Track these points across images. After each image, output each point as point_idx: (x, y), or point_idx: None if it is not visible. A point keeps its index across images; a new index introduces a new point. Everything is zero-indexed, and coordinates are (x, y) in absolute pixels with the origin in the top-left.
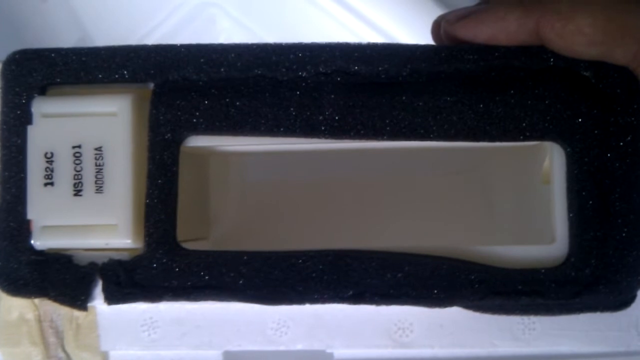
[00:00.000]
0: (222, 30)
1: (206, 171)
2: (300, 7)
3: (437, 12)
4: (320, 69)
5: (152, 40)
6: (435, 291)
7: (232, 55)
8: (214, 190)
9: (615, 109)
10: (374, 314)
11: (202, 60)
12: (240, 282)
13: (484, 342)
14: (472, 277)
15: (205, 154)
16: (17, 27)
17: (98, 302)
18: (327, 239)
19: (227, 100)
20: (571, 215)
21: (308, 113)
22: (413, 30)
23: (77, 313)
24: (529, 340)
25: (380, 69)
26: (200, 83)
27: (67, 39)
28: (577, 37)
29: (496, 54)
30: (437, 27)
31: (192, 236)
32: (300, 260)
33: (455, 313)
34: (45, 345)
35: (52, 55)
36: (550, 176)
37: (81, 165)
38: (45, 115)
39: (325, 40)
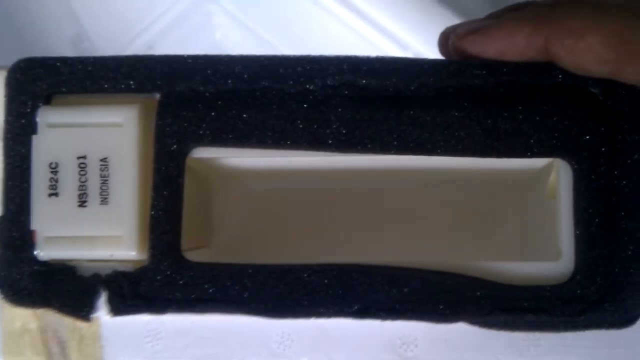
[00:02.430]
0: (218, 26)
1: (209, 180)
2: (297, 3)
3: (438, 10)
4: (328, 82)
5: (148, 36)
6: (441, 307)
7: (240, 66)
8: (216, 198)
9: (623, 127)
10: (379, 328)
11: (209, 71)
12: (245, 295)
13: (489, 357)
14: (478, 293)
15: (209, 164)
16: (13, 23)
17: (102, 313)
18: (331, 253)
19: (234, 112)
20: (577, 232)
21: (315, 126)
22: (409, 26)
23: (80, 324)
24: (533, 356)
25: (388, 82)
26: (207, 94)
27: (63, 35)
28: (587, 55)
29: (505, 69)
30: (445, 40)
31: (194, 244)
32: (306, 275)
33: (459, 328)
34: (48, 355)
35: (58, 64)
36: (556, 192)
37: (86, 176)
38: (51, 125)
39: (320, 35)
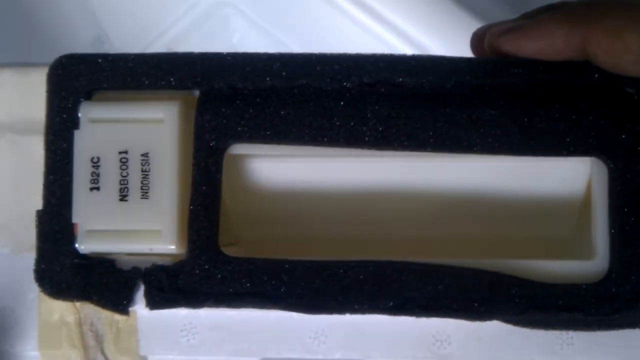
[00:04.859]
0: (235, 29)
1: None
2: (315, 6)
3: (454, 10)
4: (365, 80)
5: (166, 38)
6: (476, 304)
7: (278, 64)
8: (244, 195)
9: None
10: (412, 325)
11: (247, 68)
12: (281, 290)
13: (522, 356)
14: (513, 291)
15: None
16: (35, 25)
17: (139, 307)
18: (365, 250)
19: (272, 109)
20: (612, 231)
21: (352, 123)
22: (425, 27)
23: (117, 317)
24: (567, 355)
25: (424, 80)
26: (246, 91)
27: (84, 37)
28: (624, 54)
29: (541, 68)
30: (478, 39)
31: (229, 240)
32: (341, 270)
33: (493, 326)
34: (85, 348)
35: (99, 60)
36: (591, 191)
37: (127, 170)
38: (93, 121)
39: (337, 38)
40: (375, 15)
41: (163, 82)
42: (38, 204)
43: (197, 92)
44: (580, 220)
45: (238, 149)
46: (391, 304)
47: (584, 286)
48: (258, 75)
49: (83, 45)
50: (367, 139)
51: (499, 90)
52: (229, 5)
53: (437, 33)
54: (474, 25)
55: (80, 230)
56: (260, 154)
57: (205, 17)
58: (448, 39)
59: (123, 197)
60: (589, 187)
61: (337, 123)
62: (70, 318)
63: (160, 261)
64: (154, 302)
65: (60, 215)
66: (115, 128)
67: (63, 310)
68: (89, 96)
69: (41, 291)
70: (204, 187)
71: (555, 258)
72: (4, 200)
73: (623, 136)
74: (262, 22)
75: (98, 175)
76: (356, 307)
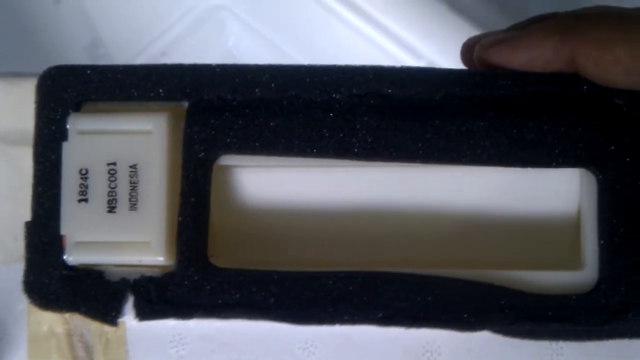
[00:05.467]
0: (231, 33)
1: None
2: (310, 10)
3: (452, 18)
4: (354, 91)
5: (162, 42)
6: (466, 315)
7: (267, 75)
8: (233, 206)
9: None
10: (402, 335)
11: (237, 80)
12: (271, 301)
13: None
14: (503, 301)
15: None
16: (29, 29)
17: (128, 318)
18: (355, 261)
19: (261, 120)
20: (602, 242)
21: (341, 135)
22: (422, 35)
23: (106, 328)
24: None
25: (413, 92)
26: (235, 103)
27: (78, 41)
28: (614, 66)
29: (530, 80)
30: (467, 51)
31: (214, 252)
32: (331, 281)
33: (483, 337)
34: (74, 359)
35: (88, 71)
36: (580, 202)
37: (115, 182)
38: (81, 132)
39: (333, 43)
40: (371, 20)
41: (152, 94)
42: (27, 215)
43: (186, 104)
44: (569, 231)
45: (227, 160)
46: (381, 314)
47: (573, 297)
48: (247, 86)
49: (78, 49)
50: (356, 150)
51: (488, 101)
52: (224, 9)
53: (433, 38)
54: (470, 31)
55: (68, 242)
56: (249, 165)
57: (200, 21)
58: (444, 45)
59: (111, 209)
60: (578, 199)
61: (327, 134)
62: (60, 329)
63: (149, 272)
64: (143, 313)
65: (49, 226)
66: (103, 139)
67: (52, 321)
68: (77, 107)
69: (30, 302)
70: (192, 199)
71: (544, 269)
72: None
73: (612, 147)
74: (257, 26)
75: (86, 187)
76: (346, 318)
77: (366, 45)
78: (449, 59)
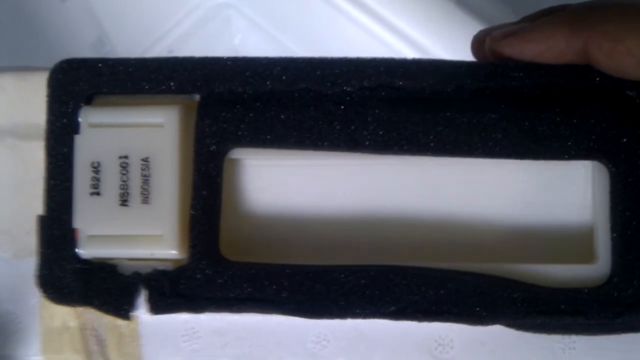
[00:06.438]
0: (237, 30)
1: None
2: (316, 8)
3: (458, 14)
4: (365, 84)
5: (168, 40)
6: (478, 309)
7: (278, 68)
8: (245, 199)
9: None
10: (414, 329)
11: (248, 73)
12: (283, 295)
13: None
14: (515, 295)
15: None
16: (36, 27)
17: (141, 312)
18: (367, 255)
19: (272, 113)
20: (614, 235)
21: (352, 127)
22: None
23: (119, 322)
24: (569, 359)
25: (424, 84)
26: (246, 96)
27: (85, 39)
28: (626, 58)
29: (542, 71)
30: (478, 43)
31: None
32: (343, 275)
33: (495, 330)
34: (87, 353)
35: (99, 65)
36: (593, 195)
37: (127, 175)
38: (93, 125)
39: (339, 40)
40: (377, 17)
41: (163, 87)
42: (39, 209)
43: (197, 97)
44: (581, 225)
45: (238, 153)
46: (393, 308)
47: (585, 290)
48: (258, 79)
49: (84, 46)
50: (367, 143)
51: (499, 93)
52: (230, 7)
53: (439, 34)
54: (476, 27)
55: (81, 236)
56: (261, 158)
57: (206, 19)
58: (450, 41)
59: (124, 202)
60: (590, 192)
61: (338, 127)
62: (73, 323)
63: (161, 266)
64: (156, 307)
65: (61, 220)
66: (115, 133)
67: (65, 315)
68: (89, 101)
69: (43, 296)
70: (204, 192)
71: (557, 262)
72: (5, 205)
73: (624, 140)
74: (263, 24)
75: (98, 180)
76: (358, 311)
77: (373, 42)
78: (455, 55)
